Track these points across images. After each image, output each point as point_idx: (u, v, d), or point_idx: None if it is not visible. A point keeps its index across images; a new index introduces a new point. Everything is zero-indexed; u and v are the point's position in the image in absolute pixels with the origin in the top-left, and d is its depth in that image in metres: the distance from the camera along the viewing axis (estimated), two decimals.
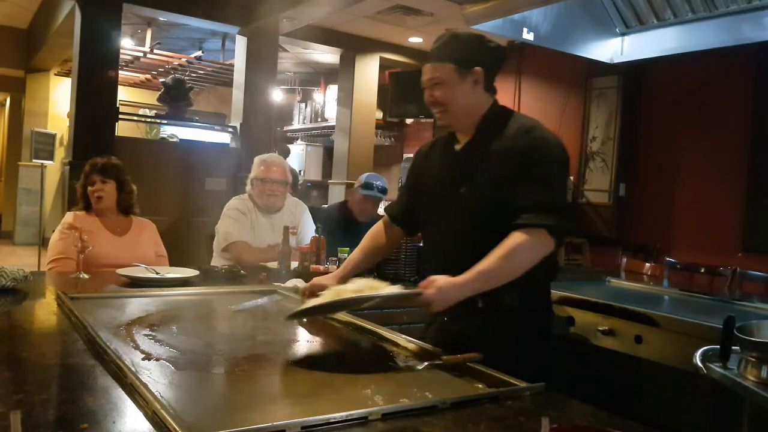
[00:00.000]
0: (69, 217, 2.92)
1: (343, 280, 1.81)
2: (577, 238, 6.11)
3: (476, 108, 1.79)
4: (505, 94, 7.26)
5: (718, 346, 1.58)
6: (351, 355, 1.63)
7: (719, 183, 5.44)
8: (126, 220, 3.01)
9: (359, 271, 1.93)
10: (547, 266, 1.74)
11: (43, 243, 6.58)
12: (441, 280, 1.55)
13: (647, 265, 4.03)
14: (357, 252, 2.03)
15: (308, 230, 3.37)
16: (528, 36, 4.19)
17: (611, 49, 4.50)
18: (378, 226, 2.06)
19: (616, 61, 4.55)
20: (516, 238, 1.60)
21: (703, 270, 3.94)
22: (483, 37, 1.79)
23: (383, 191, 3.66)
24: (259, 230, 3.26)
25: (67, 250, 2.71)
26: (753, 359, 1.45)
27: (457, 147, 1.83)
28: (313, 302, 1.61)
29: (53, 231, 2.95)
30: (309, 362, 1.48)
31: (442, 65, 1.74)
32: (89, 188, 2.93)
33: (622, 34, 4.44)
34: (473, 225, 1.73)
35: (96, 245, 2.59)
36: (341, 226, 3.55)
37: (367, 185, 3.63)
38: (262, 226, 3.28)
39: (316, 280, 1.87)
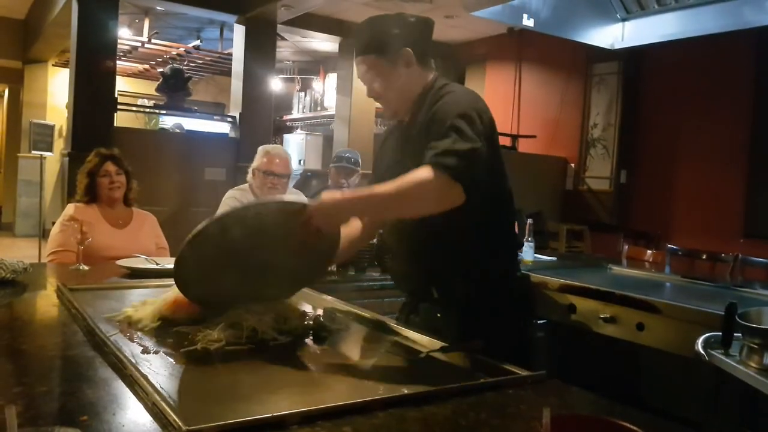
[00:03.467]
0: (70, 208, 2.91)
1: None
2: (578, 225, 6.11)
3: (413, 88, 1.70)
4: (505, 82, 7.23)
5: (720, 333, 1.58)
6: (352, 345, 1.62)
7: (721, 169, 5.42)
8: (127, 212, 3.01)
9: (354, 244, 1.83)
10: (498, 251, 1.70)
11: (44, 234, 6.58)
12: (327, 195, 1.49)
13: (648, 251, 4.03)
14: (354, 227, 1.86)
15: None
16: (528, 22, 4.17)
17: (612, 35, 4.47)
18: None
19: (616, 46, 4.53)
20: (421, 172, 1.45)
21: (704, 256, 3.94)
22: (401, 14, 1.69)
23: (355, 163, 3.79)
24: None
25: (66, 242, 2.70)
26: (755, 346, 1.44)
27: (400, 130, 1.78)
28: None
29: (53, 222, 2.94)
30: (310, 352, 1.48)
31: (368, 58, 1.68)
32: (102, 179, 2.92)
33: (623, 20, 4.41)
34: None
35: (97, 237, 2.59)
36: None
37: (337, 158, 3.81)
38: None
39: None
